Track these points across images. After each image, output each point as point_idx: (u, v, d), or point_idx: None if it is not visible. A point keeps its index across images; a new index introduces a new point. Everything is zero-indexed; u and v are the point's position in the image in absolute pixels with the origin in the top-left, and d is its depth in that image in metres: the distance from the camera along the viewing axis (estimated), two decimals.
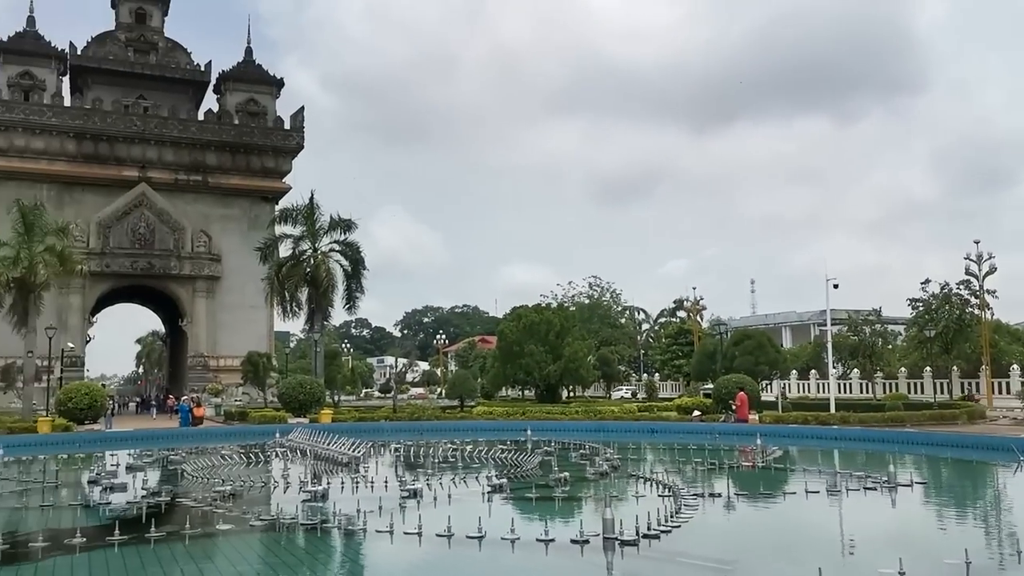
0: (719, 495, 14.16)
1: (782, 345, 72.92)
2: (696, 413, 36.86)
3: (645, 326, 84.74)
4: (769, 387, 47.61)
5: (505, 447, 23.95)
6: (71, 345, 56.29)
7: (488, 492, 15.39)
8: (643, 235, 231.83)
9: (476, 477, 17.07)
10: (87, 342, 62.80)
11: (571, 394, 50.79)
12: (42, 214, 41.67)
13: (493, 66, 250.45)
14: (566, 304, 73.93)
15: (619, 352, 67.77)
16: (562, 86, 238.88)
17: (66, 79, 66.45)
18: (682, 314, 76.19)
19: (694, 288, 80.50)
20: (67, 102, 63.98)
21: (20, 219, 40.03)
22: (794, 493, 15.00)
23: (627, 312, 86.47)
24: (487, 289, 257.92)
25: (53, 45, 64.34)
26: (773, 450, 22.02)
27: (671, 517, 11.09)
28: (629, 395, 62.79)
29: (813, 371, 59.90)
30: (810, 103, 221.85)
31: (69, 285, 54.40)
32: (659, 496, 14.30)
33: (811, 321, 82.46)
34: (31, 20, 64.88)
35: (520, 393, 53.32)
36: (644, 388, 64.75)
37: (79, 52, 65.57)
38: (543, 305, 52.32)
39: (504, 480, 16.42)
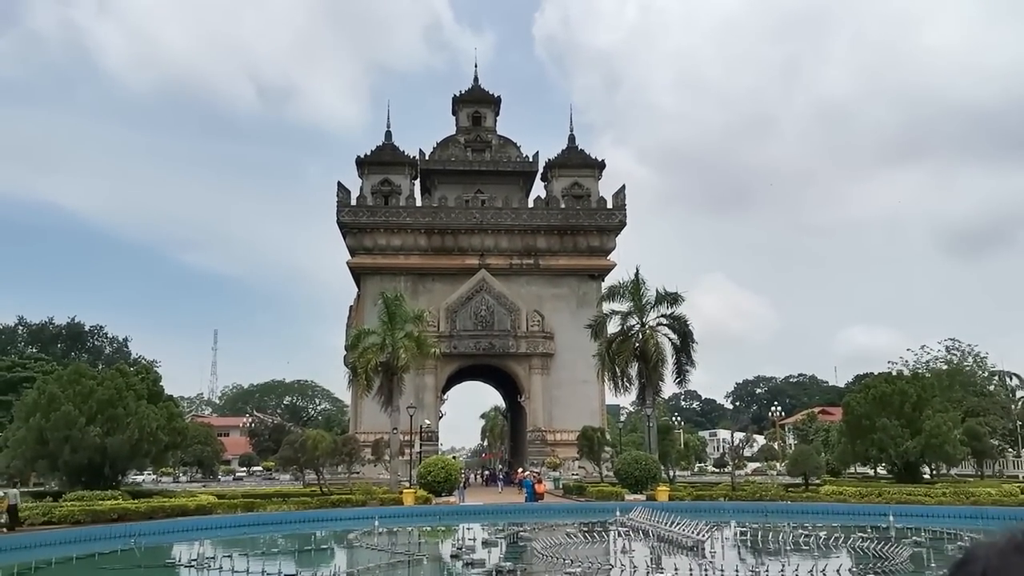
0: None
1: None
2: None
3: (1021, 393, 73.53)
4: None
5: (865, 535, 21.70)
6: (428, 422, 61.71)
7: None
8: (1008, 289, 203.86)
9: (837, 569, 15.48)
10: (440, 418, 68.43)
11: (933, 473, 45.07)
12: (401, 304, 46.66)
13: (816, 122, 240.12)
14: (920, 371, 66.59)
15: (990, 424, 59.30)
16: (895, 134, 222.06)
17: (417, 182, 74.73)
18: None
19: None
20: (418, 202, 71.83)
21: (384, 310, 45.17)
22: None
23: (996, 378, 75.74)
24: (824, 356, 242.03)
25: (406, 154, 73.00)
26: None
27: None
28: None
29: None
30: None
31: (424, 366, 59.94)
32: None
33: None
34: (388, 135, 74.35)
35: (872, 471, 48.54)
36: None
37: (426, 157, 73.68)
38: (894, 373, 47.52)
39: (871, 575, 14.77)
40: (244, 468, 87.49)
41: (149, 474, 60.14)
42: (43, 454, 31.28)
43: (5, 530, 25.63)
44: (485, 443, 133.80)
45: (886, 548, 18.05)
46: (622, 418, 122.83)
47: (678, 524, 20.96)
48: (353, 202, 69.48)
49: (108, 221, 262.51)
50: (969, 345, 78.43)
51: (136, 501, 30.36)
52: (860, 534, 21.79)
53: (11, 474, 37.31)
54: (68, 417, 30.52)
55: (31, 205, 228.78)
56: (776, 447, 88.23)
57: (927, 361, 76.45)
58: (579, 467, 60.72)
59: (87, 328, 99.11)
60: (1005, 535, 1.04)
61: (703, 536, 19.49)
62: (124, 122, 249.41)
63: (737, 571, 15.59)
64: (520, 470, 57.07)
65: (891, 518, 26.01)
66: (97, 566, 20.09)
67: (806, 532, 21.96)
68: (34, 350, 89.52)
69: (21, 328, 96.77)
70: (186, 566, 19.41)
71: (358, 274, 70.44)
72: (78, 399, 31.38)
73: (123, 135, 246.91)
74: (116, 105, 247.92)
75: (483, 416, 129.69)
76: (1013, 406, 70.04)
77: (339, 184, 69.82)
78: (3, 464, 33.71)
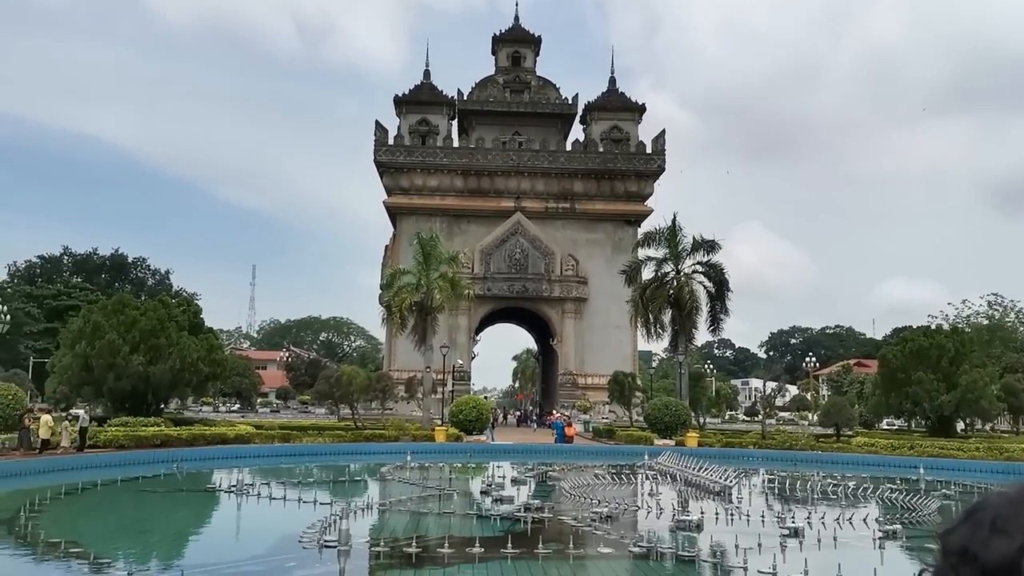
0: None
1: None
2: None
3: None
4: None
5: (894, 486, 21.76)
6: (460, 361, 62.40)
7: (880, 538, 14.01)
8: None
9: (864, 519, 15.58)
10: (472, 359, 69.15)
11: (968, 428, 44.73)
12: (436, 245, 46.80)
13: (862, 71, 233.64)
14: (960, 326, 65.67)
15: None
16: (944, 84, 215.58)
17: (455, 122, 74.23)
18: None
19: None
20: (455, 143, 71.46)
21: (420, 250, 45.40)
22: None
23: None
24: (862, 308, 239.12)
25: (444, 93, 72.38)
26: None
27: None
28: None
29: None
30: None
31: (458, 307, 60.37)
32: None
33: None
34: (427, 74, 73.70)
35: (906, 424, 48.38)
36: None
37: (465, 97, 72.98)
38: (932, 327, 46.94)
39: (897, 525, 14.83)
40: (280, 401, 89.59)
41: (191, 402, 61.67)
42: (88, 380, 32.24)
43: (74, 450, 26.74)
44: (516, 384, 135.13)
45: (914, 500, 18.09)
46: (654, 364, 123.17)
47: (706, 469, 21.14)
48: (391, 141, 69.34)
49: (148, 154, 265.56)
50: (1012, 301, 77.19)
51: (178, 428, 31.28)
52: (889, 485, 21.84)
53: (57, 399, 38.63)
54: (112, 345, 31.35)
55: (73, 137, 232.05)
56: (809, 398, 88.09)
57: (968, 316, 75.42)
58: (609, 411, 61.22)
59: (130, 260, 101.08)
60: (1018, 485, 1.08)
61: (730, 482, 19.66)
62: (164, 57, 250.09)
63: (763, 517, 15.73)
64: (553, 412, 57.70)
65: (921, 470, 25.98)
66: (140, 488, 20.85)
67: (835, 482, 22.04)
68: (79, 280, 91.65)
69: (67, 258, 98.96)
70: (226, 491, 20.07)
71: (394, 214, 70.64)
72: (122, 328, 32.17)
73: (163, 70, 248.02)
74: (156, 39, 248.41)
75: (515, 358, 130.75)
76: None
77: (377, 123, 69.64)
78: (50, 389, 34.86)
